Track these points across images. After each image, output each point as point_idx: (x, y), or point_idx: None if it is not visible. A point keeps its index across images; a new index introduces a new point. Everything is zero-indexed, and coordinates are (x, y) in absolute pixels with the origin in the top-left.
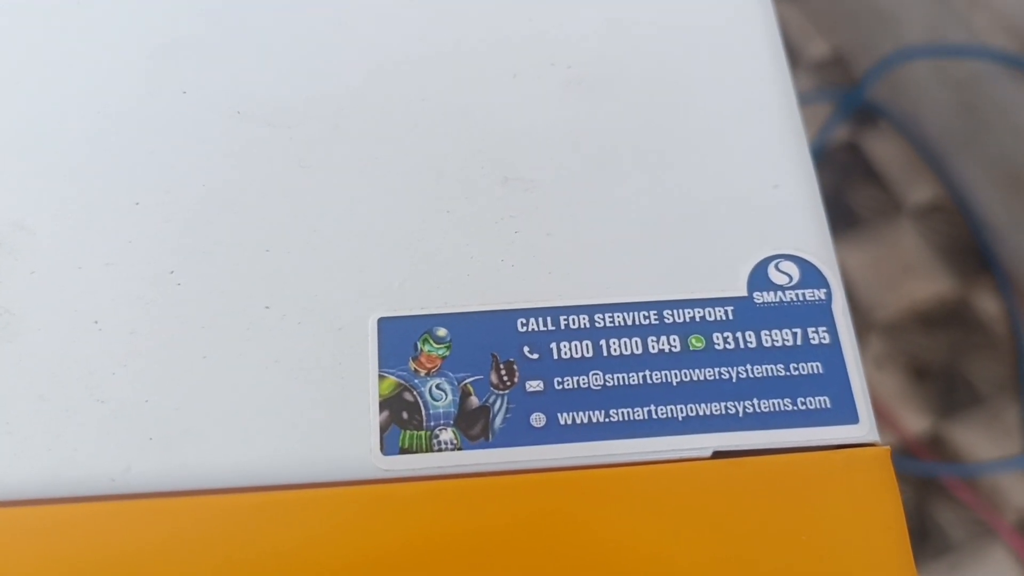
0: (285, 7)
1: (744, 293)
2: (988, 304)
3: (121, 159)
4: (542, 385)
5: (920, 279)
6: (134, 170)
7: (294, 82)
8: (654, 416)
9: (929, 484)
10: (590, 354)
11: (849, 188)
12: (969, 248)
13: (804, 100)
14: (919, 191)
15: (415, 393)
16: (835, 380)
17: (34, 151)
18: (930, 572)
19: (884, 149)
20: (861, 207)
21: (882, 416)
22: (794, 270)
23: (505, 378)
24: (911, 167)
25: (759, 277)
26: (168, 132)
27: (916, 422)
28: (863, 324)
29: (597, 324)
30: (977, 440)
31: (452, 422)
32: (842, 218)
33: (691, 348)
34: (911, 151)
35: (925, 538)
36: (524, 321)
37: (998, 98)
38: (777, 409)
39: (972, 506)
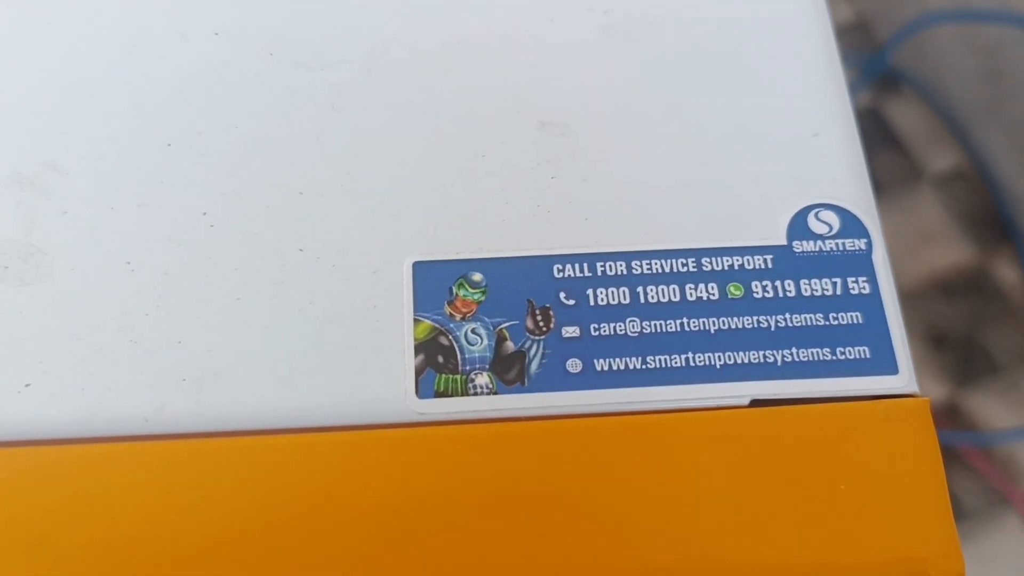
0: None
1: (783, 242)
2: (1008, 273)
3: (153, 101)
4: (578, 331)
5: (940, 247)
6: (166, 112)
7: (327, 24)
8: (691, 364)
9: (945, 452)
10: (627, 301)
11: (870, 154)
12: (990, 217)
13: None
14: (941, 158)
15: (450, 337)
16: (875, 330)
17: (66, 92)
18: None
19: (906, 115)
20: (882, 173)
21: None
22: (834, 219)
23: (541, 323)
24: (933, 134)
25: (799, 226)
26: (200, 74)
27: (933, 390)
28: None
29: (634, 271)
30: (994, 409)
31: (488, 366)
32: None
33: (729, 296)
34: (934, 118)
35: None
36: (560, 267)
37: None
38: (816, 358)
39: (987, 475)
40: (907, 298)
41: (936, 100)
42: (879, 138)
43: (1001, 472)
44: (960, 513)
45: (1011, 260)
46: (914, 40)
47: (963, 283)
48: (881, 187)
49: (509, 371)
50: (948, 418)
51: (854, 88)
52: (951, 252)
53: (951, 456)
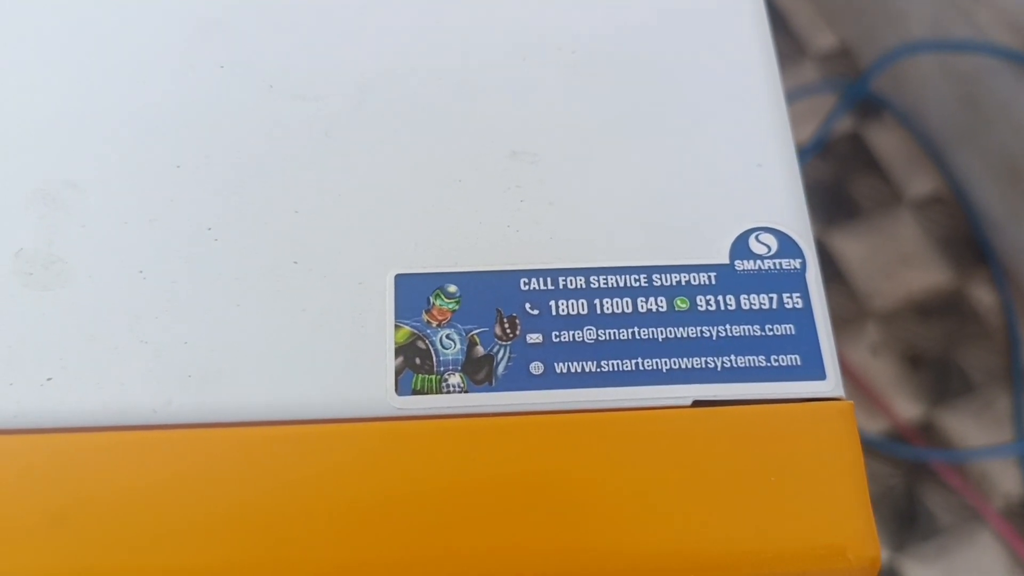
0: None
1: (726, 261)
2: (984, 295)
3: (165, 126)
4: (541, 338)
5: (918, 269)
6: (176, 136)
7: (322, 60)
8: (641, 368)
9: (920, 469)
10: (585, 311)
11: (851, 178)
12: (967, 240)
13: (809, 90)
14: (919, 183)
15: (427, 342)
16: (806, 341)
17: (85, 118)
18: (918, 555)
19: (886, 141)
20: (862, 197)
21: (875, 402)
22: (773, 241)
23: (508, 330)
24: (912, 159)
25: (741, 247)
26: (207, 103)
27: (909, 408)
28: (860, 312)
29: (592, 285)
30: (968, 427)
31: (460, 368)
32: (843, 208)
33: (676, 308)
34: (913, 143)
35: (914, 521)
36: (526, 281)
37: (999, 93)
38: (752, 365)
39: (961, 491)
40: (885, 319)
41: (915, 126)
42: (859, 162)
43: (975, 489)
44: (934, 529)
45: (987, 282)
46: (895, 68)
47: (940, 305)
48: (861, 210)
49: (479, 372)
50: (923, 436)
51: (836, 114)
52: (929, 274)
53: (926, 473)
